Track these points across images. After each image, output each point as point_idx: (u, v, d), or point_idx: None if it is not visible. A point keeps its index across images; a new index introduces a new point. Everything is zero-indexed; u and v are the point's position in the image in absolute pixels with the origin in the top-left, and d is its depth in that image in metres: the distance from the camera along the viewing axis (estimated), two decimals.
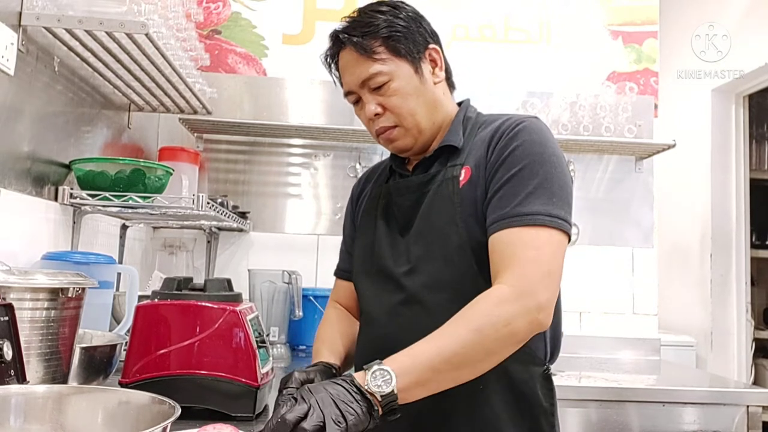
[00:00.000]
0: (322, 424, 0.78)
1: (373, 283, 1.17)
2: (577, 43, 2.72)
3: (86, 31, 1.45)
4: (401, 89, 1.10)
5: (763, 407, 1.86)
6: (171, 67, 1.71)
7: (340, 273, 1.33)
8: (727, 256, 3.11)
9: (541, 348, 1.09)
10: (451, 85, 1.21)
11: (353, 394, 0.83)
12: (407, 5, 1.16)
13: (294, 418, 0.77)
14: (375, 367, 0.86)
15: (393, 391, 0.84)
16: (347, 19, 1.14)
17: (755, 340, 3.16)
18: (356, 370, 1.07)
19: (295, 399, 0.81)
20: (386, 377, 0.85)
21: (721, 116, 3.14)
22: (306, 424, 0.77)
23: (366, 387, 0.84)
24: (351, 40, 1.10)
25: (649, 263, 2.62)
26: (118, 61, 1.66)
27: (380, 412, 0.84)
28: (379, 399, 0.84)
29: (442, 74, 1.17)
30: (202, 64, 2.12)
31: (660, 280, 2.65)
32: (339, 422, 0.79)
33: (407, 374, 0.86)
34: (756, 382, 3.18)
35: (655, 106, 2.69)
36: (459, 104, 1.22)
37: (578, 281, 2.54)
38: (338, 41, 1.13)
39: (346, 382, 0.84)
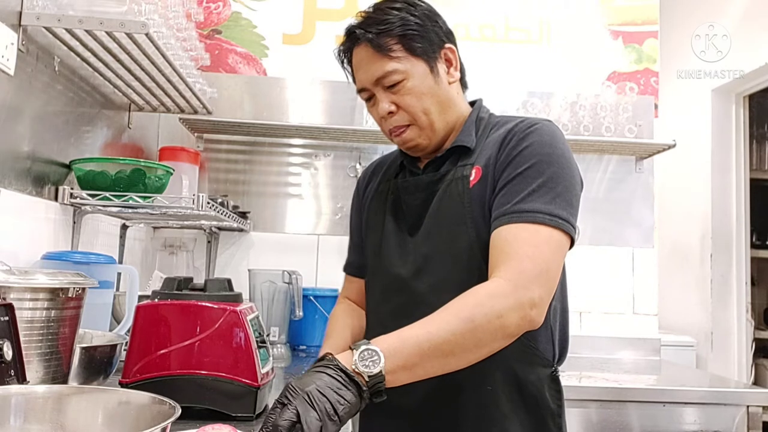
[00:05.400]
0: (319, 422, 0.76)
1: (381, 283, 1.17)
2: (577, 43, 2.72)
3: (86, 30, 1.45)
4: (416, 88, 1.09)
5: (764, 407, 1.86)
6: (171, 66, 1.71)
7: (349, 269, 1.33)
8: (727, 256, 3.10)
9: (549, 349, 1.09)
10: (464, 85, 1.20)
11: (340, 379, 0.81)
12: (422, 2, 1.15)
13: (287, 423, 0.75)
14: (363, 347, 0.84)
15: (381, 372, 0.83)
16: (362, 15, 1.12)
17: (755, 340, 3.15)
18: None
19: (282, 403, 0.78)
20: (374, 357, 0.83)
21: (721, 116, 3.14)
22: (307, 430, 0.75)
23: (353, 367, 0.82)
24: (366, 36, 1.09)
25: (649, 263, 2.62)
26: (119, 60, 1.66)
27: (367, 393, 0.83)
28: (366, 379, 0.82)
29: (457, 74, 1.16)
30: (203, 64, 2.12)
31: (660, 280, 2.65)
32: (333, 416, 0.77)
33: (395, 356, 0.85)
34: (756, 382, 3.18)
35: (656, 106, 2.69)
36: (471, 104, 1.21)
37: (578, 281, 2.51)
38: (353, 37, 1.12)
39: (331, 368, 0.82)
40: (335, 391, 0.79)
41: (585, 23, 2.73)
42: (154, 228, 2.49)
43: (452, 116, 1.15)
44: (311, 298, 2.23)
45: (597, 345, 2.54)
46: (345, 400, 0.79)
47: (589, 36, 2.72)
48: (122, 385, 1.04)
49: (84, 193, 1.61)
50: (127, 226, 2.10)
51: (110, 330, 1.40)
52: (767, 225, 3.53)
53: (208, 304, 1.07)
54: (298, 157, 2.61)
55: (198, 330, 1.05)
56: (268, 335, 1.74)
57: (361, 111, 2.54)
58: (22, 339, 0.84)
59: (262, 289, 1.99)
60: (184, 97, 2.01)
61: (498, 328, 0.91)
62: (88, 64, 1.70)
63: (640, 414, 1.86)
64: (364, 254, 1.26)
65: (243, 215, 2.36)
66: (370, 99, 1.14)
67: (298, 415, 0.76)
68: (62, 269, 1.04)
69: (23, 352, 0.84)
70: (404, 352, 0.86)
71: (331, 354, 0.92)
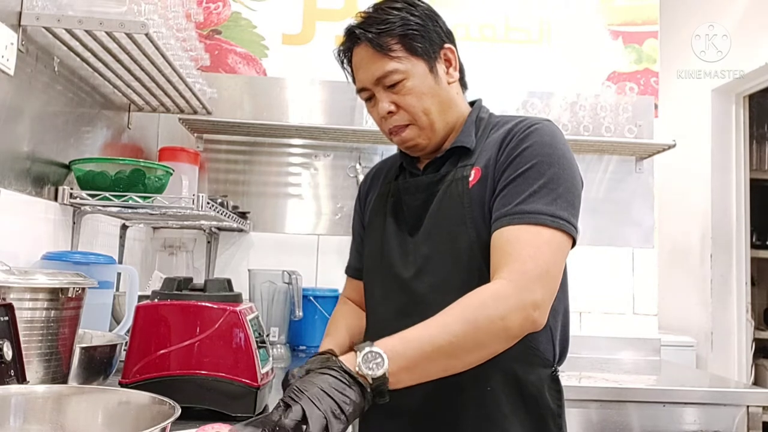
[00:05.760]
0: (325, 421, 0.76)
1: (382, 284, 1.17)
2: (577, 43, 2.72)
3: (86, 31, 1.45)
4: (416, 88, 1.09)
5: (764, 407, 1.86)
6: (171, 67, 1.71)
7: (351, 271, 1.34)
8: (727, 256, 3.11)
9: (550, 350, 1.09)
10: (463, 85, 1.20)
11: (344, 380, 0.81)
12: (422, 2, 1.15)
13: (292, 423, 0.75)
14: (366, 349, 0.84)
15: (384, 374, 0.83)
16: (362, 15, 1.13)
17: (755, 340, 3.16)
18: None
19: (287, 404, 0.77)
20: (378, 360, 0.83)
21: (721, 116, 3.14)
22: (312, 429, 0.74)
23: (357, 369, 0.83)
24: (367, 36, 1.09)
25: (649, 263, 2.62)
26: (118, 61, 1.66)
27: (370, 395, 0.83)
28: (370, 382, 0.83)
29: (457, 74, 1.16)
30: (202, 64, 2.12)
31: (660, 280, 2.65)
32: (339, 416, 0.77)
33: (398, 358, 0.85)
34: (756, 383, 3.18)
35: (656, 106, 2.69)
36: (471, 104, 1.21)
37: (578, 281, 2.51)
38: (353, 36, 1.12)
39: (334, 369, 0.82)
40: (340, 392, 0.79)
41: (585, 23, 2.73)
42: (154, 228, 2.49)
43: (452, 116, 1.15)
44: (311, 298, 2.23)
45: (597, 345, 2.54)
46: (350, 399, 0.80)
47: (589, 36, 2.72)
48: (122, 385, 1.04)
49: (84, 194, 1.61)
50: (127, 227, 2.10)
51: (110, 330, 1.40)
52: (767, 225, 3.53)
53: (207, 305, 1.07)
54: (298, 158, 2.61)
55: (198, 330, 1.05)
56: (267, 335, 1.74)
57: (360, 111, 2.54)
58: (22, 339, 0.84)
59: (262, 289, 1.99)
60: (183, 98, 2.01)
61: (501, 330, 0.91)
62: (88, 64, 1.70)
63: (640, 414, 1.86)
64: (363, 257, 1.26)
65: (243, 215, 2.36)
66: (370, 99, 1.15)
67: (303, 415, 0.75)
68: (62, 269, 1.04)
69: (23, 352, 0.84)
70: (407, 354, 0.86)
71: (333, 354, 0.92)
